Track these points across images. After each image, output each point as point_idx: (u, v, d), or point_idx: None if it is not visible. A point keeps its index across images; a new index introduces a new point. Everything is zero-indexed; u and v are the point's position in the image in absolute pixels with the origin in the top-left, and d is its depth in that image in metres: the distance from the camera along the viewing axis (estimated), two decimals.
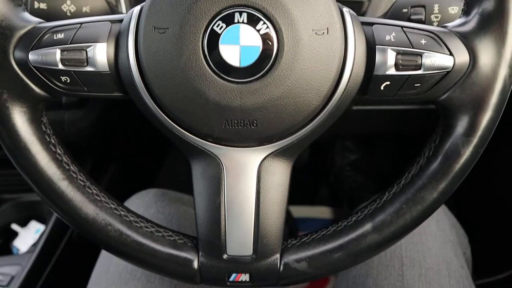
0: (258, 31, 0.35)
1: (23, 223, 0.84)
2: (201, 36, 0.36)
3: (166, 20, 0.36)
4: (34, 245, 0.78)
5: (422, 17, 0.54)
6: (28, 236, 0.80)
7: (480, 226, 0.90)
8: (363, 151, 1.40)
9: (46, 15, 0.51)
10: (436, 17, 0.54)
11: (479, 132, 0.40)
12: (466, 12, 0.40)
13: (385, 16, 0.57)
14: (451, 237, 0.61)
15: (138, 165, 1.21)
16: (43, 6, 0.50)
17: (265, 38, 0.36)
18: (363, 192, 1.35)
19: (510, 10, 0.37)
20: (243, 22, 0.35)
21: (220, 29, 0.35)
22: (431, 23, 0.54)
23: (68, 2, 0.51)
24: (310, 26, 0.36)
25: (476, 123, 0.39)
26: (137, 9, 0.39)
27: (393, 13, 0.55)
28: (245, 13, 0.35)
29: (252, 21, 0.35)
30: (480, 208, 1.08)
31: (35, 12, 0.50)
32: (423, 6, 0.54)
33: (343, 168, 1.40)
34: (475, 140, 0.40)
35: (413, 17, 0.54)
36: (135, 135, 1.05)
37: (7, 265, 0.72)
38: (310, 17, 0.36)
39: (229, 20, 0.35)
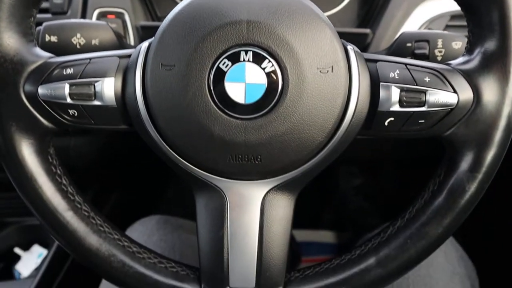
0: (263, 69, 0.36)
1: (26, 247, 0.84)
2: (207, 73, 0.36)
3: (173, 57, 0.37)
4: (37, 269, 0.77)
5: (426, 51, 0.55)
6: (31, 261, 0.79)
7: (488, 259, 0.88)
8: (368, 175, 1.40)
9: (56, 48, 0.52)
10: (440, 51, 0.55)
11: (484, 168, 0.40)
12: (469, 50, 0.40)
13: (389, 50, 0.57)
14: (459, 269, 0.60)
15: (141, 191, 1.21)
16: (54, 39, 0.52)
17: (270, 76, 0.36)
18: (368, 217, 1.34)
19: None
20: (248, 61, 0.36)
21: (226, 67, 0.36)
22: (435, 58, 0.55)
23: (78, 35, 0.52)
24: (314, 64, 0.37)
25: (481, 159, 0.39)
26: (144, 45, 0.39)
27: (397, 47, 0.56)
28: (251, 52, 0.36)
29: (258, 59, 0.36)
30: (488, 240, 1.06)
31: (46, 45, 0.52)
32: (427, 41, 0.55)
33: (348, 192, 1.39)
34: (480, 176, 0.40)
35: (417, 51, 0.55)
36: (138, 161, 1.05)
37: None
38: (314, 55, 0.37)
39: (235, 59, 0.36)
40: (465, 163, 0.40)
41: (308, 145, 0.38)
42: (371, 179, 1.39)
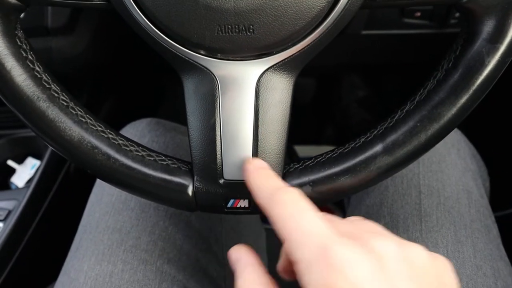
0: None
1: (20, 160, 0.82)
2: None
3: None
4: (31, 180, 0.76)
5: None
6: (25, 172, 0.78)
7: (499, 161, 0.86)
8: (371, 87, 1.35)
9: None
10: None
11: (507, 38, 0.35)
12: None
13: None
14: (471, 166, 0.57)
15: (135, 100, 1.17)
16: None
17: None
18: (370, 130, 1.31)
19: None
20: None
21: None
22: None
23: None
24: None
25: (504, 26, 0.35)
26: None
27: None
28: None
29: None
30: (499, 140, 1.04)
31: None
32: None
33: (350, 105, 1.35)
34: (502, 47, 0.35)
35: None
36: (130, 66, 1.00)
37: (4, 200, 0.71)
38: None
39: None
40: (486, 33, 0.35)
41: (306, 13, 0.33)
42: (374, 91, 1.35)
